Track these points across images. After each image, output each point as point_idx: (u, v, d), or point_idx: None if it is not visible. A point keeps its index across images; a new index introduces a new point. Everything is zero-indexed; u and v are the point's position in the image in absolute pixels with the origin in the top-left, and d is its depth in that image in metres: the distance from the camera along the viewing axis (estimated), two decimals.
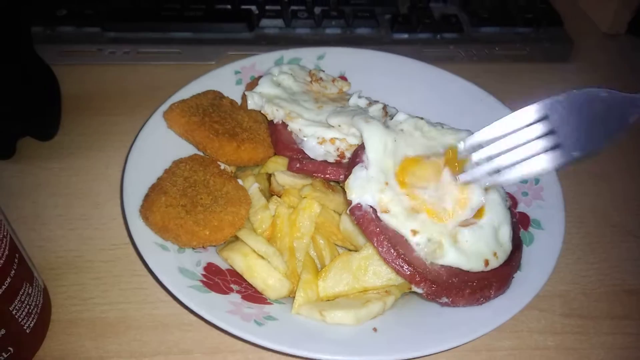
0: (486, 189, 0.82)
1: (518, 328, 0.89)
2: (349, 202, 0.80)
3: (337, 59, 1.17)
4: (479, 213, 0.82)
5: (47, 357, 0.82)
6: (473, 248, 0.79)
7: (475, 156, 0.79)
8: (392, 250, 0.77)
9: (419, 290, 0.77)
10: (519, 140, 0.76)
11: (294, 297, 0.81)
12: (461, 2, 1.54)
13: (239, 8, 1.43)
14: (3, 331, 0.73)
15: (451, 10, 1.52)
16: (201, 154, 0.97)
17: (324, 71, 1.10)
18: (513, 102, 1.25)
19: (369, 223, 0.78)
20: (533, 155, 0.75)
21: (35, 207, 1.03)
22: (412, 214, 0.79)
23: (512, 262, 0.83)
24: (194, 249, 0.87)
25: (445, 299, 0.77)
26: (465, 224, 0.81)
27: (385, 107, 0.98)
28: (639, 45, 1.51)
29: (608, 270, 0.99)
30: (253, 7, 1.43)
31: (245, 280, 0.84)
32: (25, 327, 0.77)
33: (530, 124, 0.75)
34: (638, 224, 1.07)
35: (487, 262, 0.80)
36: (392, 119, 0.90)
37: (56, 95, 1.14)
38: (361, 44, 1.39)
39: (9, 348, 0.75)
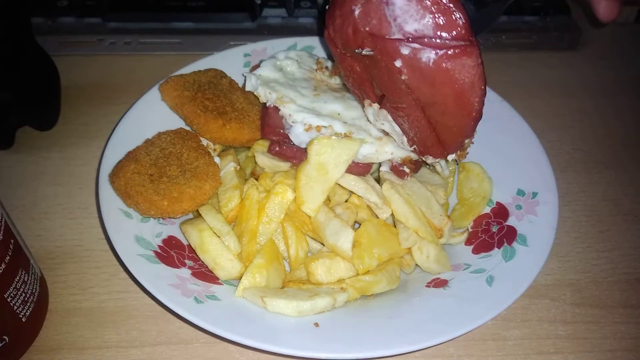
0: None
1: (527, 317, 0.87)
2: None
3: None
4: None
5: (44, 347, 0.81)
6: None
7: None
8: None
9: None
10: None
11: None
12: None
13: None
14: None
15: None
16: (188, 128, 0.96)
17: (332, 61, 1.08)
18: (521, 91, 1.24)
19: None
20: None
21: (34, 197, 1.02)
22: None
23: None
24: (155, 219, 0.86)
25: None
26: None
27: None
28: None
29: (619, 259, 0.96)
30: None
31: (199, 257, 0.82)
32: (21, 316, 0.76)
33: None
34: None
35: None
36: None
37: (56, 85, 1.12)
38: None
39: (4, 337, 0.74)
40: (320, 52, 1.14)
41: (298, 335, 0.72)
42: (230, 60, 1.09)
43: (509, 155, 0.94)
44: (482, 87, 0.72)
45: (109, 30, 1.34)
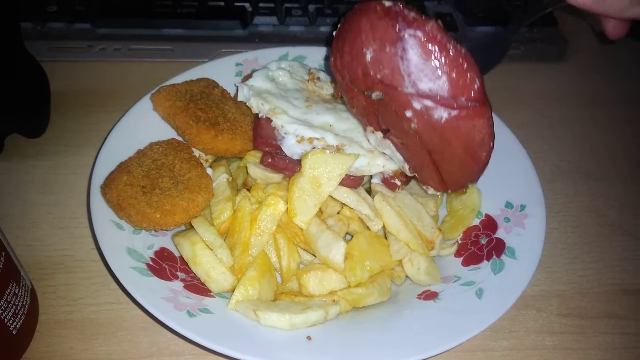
0: None
1: (515, 328, 0.88)
2: None
3: None
4: None
5: (34, 359, 0.80)
6: None
7: None
8: None
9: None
10: None
11: None
12: (456, 1, 1.53)
13: (232, 5, 1.41)
14: None
15: (446, 9, 1.51)
16: (181, 139, 0.96)
17: (324, 71, 1.08)
18: (508, 101, 1.26)
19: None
20: None
21: (24, 205, 1.01)
22: None
23: None
24: (147, 231, 0.86)
25: None
26: None
27: None
28: (632, 45, 1.51)
29: (605, 270, 0.98)
30: (247, 5, 1.42)
31: (192, 269, 0.82)
32: (11, 329, 0.75)
33: None
34: (634, 223, 1.06)
35: None
36: None
37: (46, 92, 1.12)
38: None
39: None
40: (311, 62, 1.14)
41: (291, 349, 0.72)
42: (221, 70, 1.10)
43: (497, 167, 0.94)
44: (491, 144, 0.74)
45: (98, 36, 1.33)
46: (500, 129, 1.01)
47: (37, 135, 1.11)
